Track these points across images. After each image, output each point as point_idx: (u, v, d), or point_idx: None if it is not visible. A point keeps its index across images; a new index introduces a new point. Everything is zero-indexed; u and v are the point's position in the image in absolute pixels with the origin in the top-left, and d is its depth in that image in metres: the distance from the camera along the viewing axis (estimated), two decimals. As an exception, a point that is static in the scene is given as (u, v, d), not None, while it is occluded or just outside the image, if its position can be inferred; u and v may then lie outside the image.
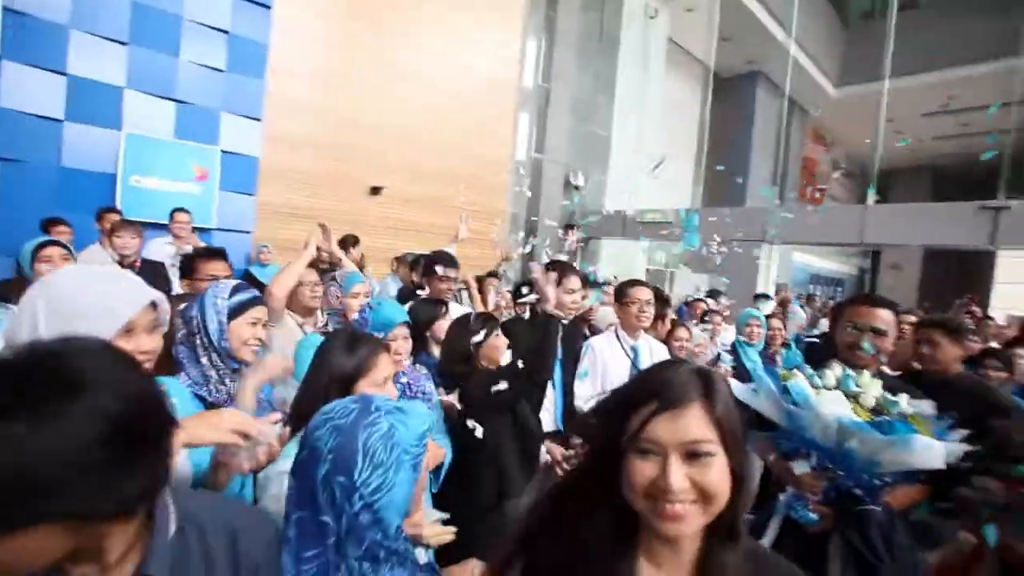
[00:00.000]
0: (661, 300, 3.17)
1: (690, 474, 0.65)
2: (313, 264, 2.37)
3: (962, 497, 1.61)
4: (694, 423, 0.65)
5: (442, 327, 2.45)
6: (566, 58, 9.46)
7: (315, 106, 6.32)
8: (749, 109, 12.63)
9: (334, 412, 0.85)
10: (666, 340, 3.14)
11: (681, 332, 3.21)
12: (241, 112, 5.49)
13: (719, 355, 3.43)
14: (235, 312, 1.46)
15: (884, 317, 1.74)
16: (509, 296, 3.88)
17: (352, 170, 6.70)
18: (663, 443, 0.65)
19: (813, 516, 1.56)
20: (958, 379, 2.11)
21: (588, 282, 3.13)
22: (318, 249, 2.34)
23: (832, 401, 1.48)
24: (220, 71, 5.30)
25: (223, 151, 5.39)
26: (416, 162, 7.17)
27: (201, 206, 5.14)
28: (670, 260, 10.32)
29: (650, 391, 0.67)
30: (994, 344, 4.05)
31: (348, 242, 5.08)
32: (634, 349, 2.56)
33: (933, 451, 1.39)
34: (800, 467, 1.58)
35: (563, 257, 3.51)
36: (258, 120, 5.60)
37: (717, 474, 0.65)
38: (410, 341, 2.11)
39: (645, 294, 2.56)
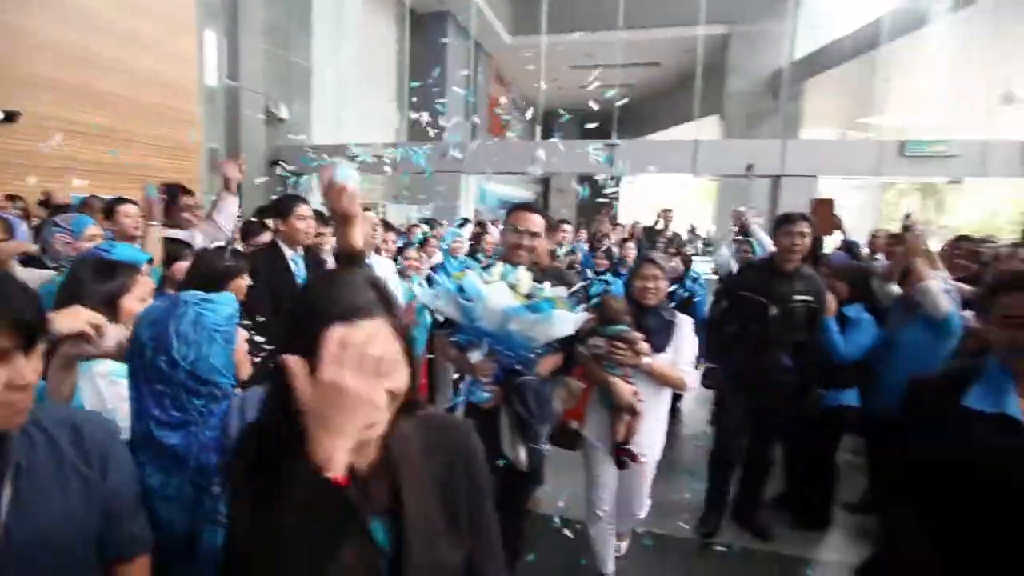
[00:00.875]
0: (387, 226, 3.74)
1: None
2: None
3: (578, 352, 2.12)
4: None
5: (183, 268, 2.51)
6: (249, -28, 8.51)
7: None
8: (441, 48, 13.55)
9: (149, 312, 1.04)
10: (393, 258, 3.74)
11: (410, 252, 3.86)
12: None
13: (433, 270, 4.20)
14: None
15: (537, 221, 2.02)
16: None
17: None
18: None
19: (487, 394, 1.82)
20: (550, 267, 2.43)
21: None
22: None
23: (497, 291, 1.75)
24: None
25: None
26: (76, 83, 5.74)
27: None
28: (378, 193, 10.79)
29: (335, 315, 0.64)
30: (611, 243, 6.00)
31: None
32: (369, 266, 3.09)
33: (567, 322, 1.77)
34: (475, 356, 1.82)
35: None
36: None
37: (402, 377, 0.67)
38: (152, 280, 2.17)
39: (374, 219, 3.09)
